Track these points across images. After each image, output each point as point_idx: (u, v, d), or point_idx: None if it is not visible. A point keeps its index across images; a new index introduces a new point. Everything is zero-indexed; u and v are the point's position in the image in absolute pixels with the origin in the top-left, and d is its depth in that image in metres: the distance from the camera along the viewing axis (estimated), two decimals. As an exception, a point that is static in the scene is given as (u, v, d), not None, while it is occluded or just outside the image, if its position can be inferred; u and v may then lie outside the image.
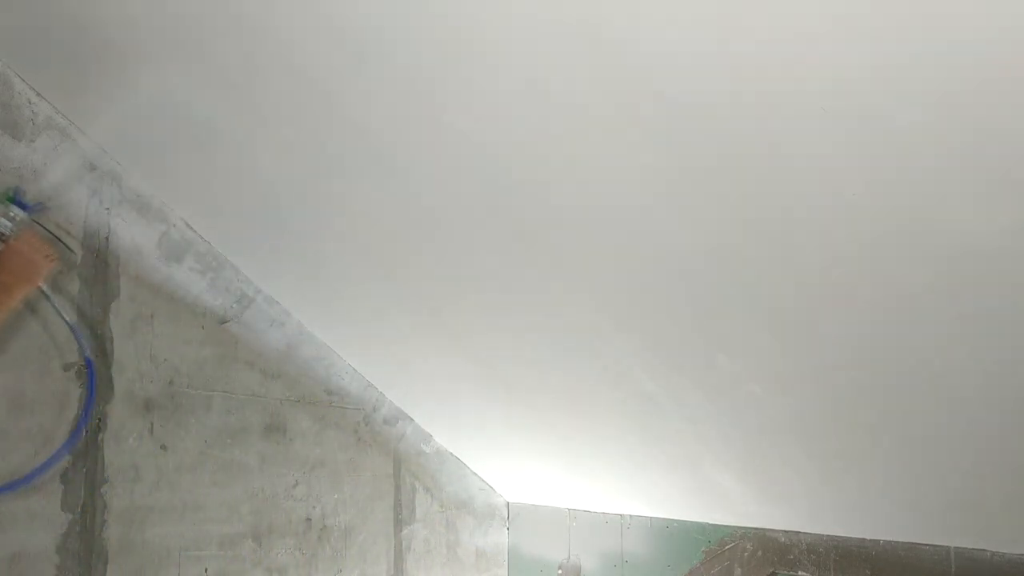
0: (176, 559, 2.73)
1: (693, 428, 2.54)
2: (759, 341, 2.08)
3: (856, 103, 1.39)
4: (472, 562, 3.64)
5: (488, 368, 2.87)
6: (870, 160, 1.48)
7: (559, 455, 3.19)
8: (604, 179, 1.82)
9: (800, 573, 2.74)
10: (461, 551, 3.61)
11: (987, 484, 2.13)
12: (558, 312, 2.38)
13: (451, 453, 3.61)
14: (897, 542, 2.51)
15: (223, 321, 2.90)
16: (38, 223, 2.31)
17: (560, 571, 3.53)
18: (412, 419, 3.46)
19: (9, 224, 2.20)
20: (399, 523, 3.40)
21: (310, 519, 3.11)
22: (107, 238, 2.63)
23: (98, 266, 2.61)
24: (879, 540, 2.55)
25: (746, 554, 2.89)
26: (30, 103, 2.47)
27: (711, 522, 3.00)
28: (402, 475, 3.42)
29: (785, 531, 2.79)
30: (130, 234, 2.68)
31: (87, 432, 2.55)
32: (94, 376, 2.50)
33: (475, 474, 3.69)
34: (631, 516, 3.29)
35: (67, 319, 2.45)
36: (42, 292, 2.35)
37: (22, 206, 2.24)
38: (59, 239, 2.39)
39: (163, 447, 2.73)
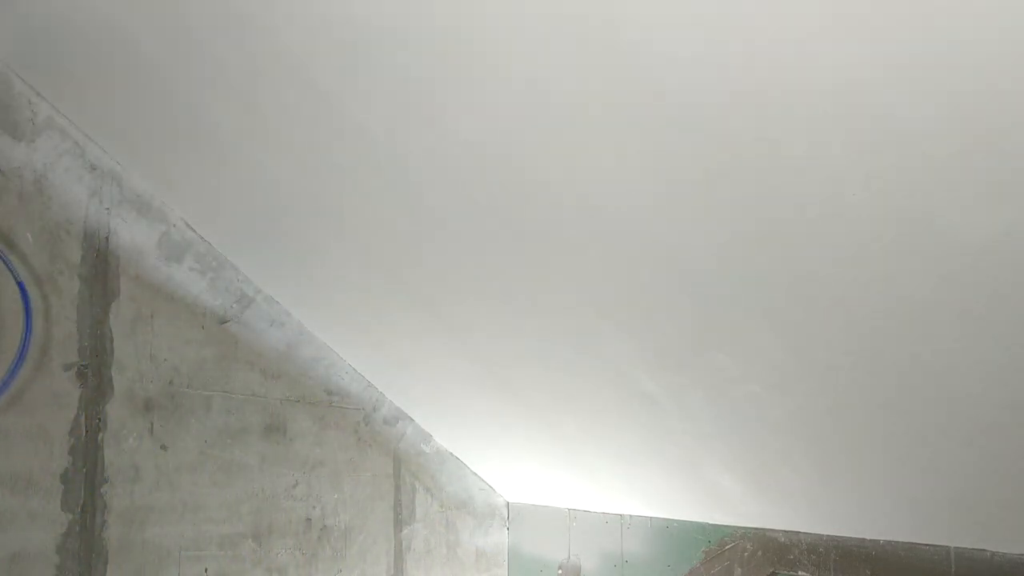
0: (176, 559, 2.73)
1: (693, 428, 2.54)
2: (759, 341, 2.08)
3: (856, 103, 1.39)
4: (472, 562, 3.64)
5: (488, 368, 2.87)
6: (870, 160, 1.48)
7: (559, 455, 3.19)
8: (604, 179, 1.82)
9: (800, 573, 2.74)
10: (461, 551, 3.61)
11: (987, 484, 2.13)
12: (558, 312, 2.38)
13: (451, 453, 3.61)
14: (897, 542, 2.51)
15: (223, 321, 2.90)
16: None
17: (560, 571, 3.53)
18: (412, 419, 3.46)
19: None
20: (399, 523, 3.40)
21: (310, 519, 3.11)
22: (107, 238, 2.63)
23: (98, 266, 2.61)
24: (879, 540, 2.55)
25: (746, 554, 2.89)
26: (30, 103, 2.48)
27: (711, 522, 3.00)
28: (402, 475, 3.42)
29: (785, 531, 2.79)
30: (130, 234, 2.68)
31: (26, 348, 2.48)
32: (27, 297, 2.45)
33: (475, 474, 3.69)
34: (631, 516, 3.29)
35: None
36: None
37: None
38: None
39: (163, 447, 2.73)
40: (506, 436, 3.28)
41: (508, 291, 2.41)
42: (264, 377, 3.01)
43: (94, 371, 2.59)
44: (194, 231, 2.82)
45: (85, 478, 2.54)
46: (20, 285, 2.44)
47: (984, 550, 2.33)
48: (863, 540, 2.59)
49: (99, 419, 2.59)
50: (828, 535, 2.68)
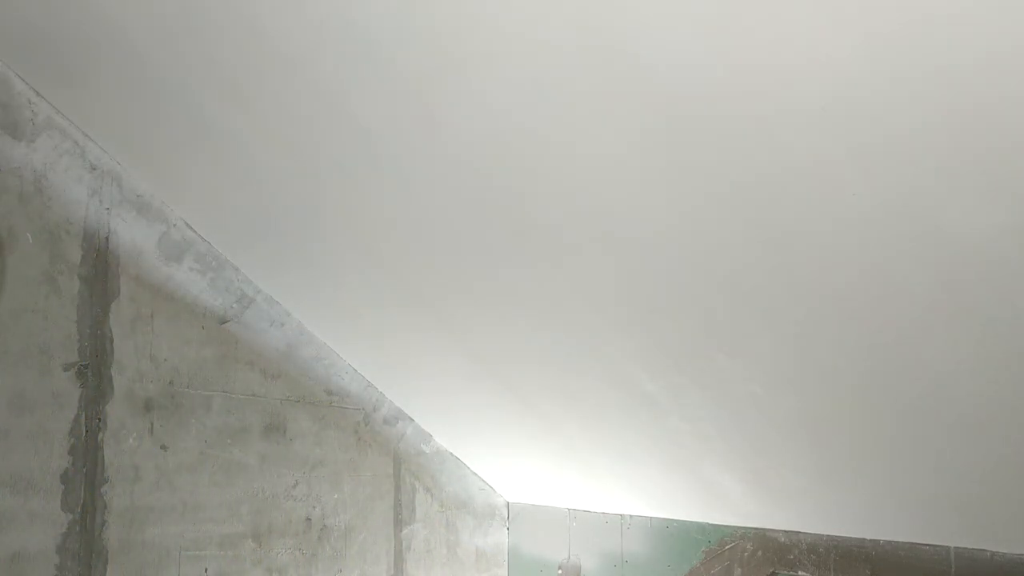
0: (176, 559, 2.73)
1: (693, 428, 2.54)
2: (759, 341, 2.08)
3: (856, 103, 1.39)
4: (472, 562, 3.64)
5: (488, 368, 2.87)
6: (870, 160, 1.48)
7: (559, 455, 3.18)
8: (605, 180, 1.82)
9: (800, 573, 2.73)
10: (461, 551, 3.61)
11: (987, 484, 2.13)
12: (558, 312, 2.38)
13: (451, 453, 3.61)
14: (897, 542, 2.51)
15: (223, 321, 2.90)
16: None
17: (560, 571, 3.53)
18: (412, 419, 3.46)
19: None
20: (399, 523, 3.40)
21: (310, 519, 3.11)
22: (107, 238, 2.63)
23: (98, 266, 2.61)
24: (879, 540, 2.55)
25: (746, 554, 2.89)
26: (30, 103, 2.48)
27: (711, 522, 3.00)
28: (402, 475, 3.42)
29: (785, 531, 2.79)
30: (130, 234, 2.68)
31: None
32: None
33: (475, 474, 3.69)
34: (631, 516, 3.29)
35: None
36: None
37: None
38: None
39: (163, 447, 2.73)
40: (506, 436, 3.28)
41: (508, 291, 2.41)
42: (264, 377, 3.01)
43: (94, 371, 2.59)
44: (194, 231, 2.82)
45: (85, 478, 2.54)
46: None
47: (984, 550, 2.33)
48: (863, 540, 2.59)
49: (99, 419, 2.59)
50: (828, 535, 2.67)
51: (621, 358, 2.42)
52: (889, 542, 2.53)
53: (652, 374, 2.42)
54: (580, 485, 3.34)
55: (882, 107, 1.38)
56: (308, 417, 3.13)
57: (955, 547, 2.39)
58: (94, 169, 2.60)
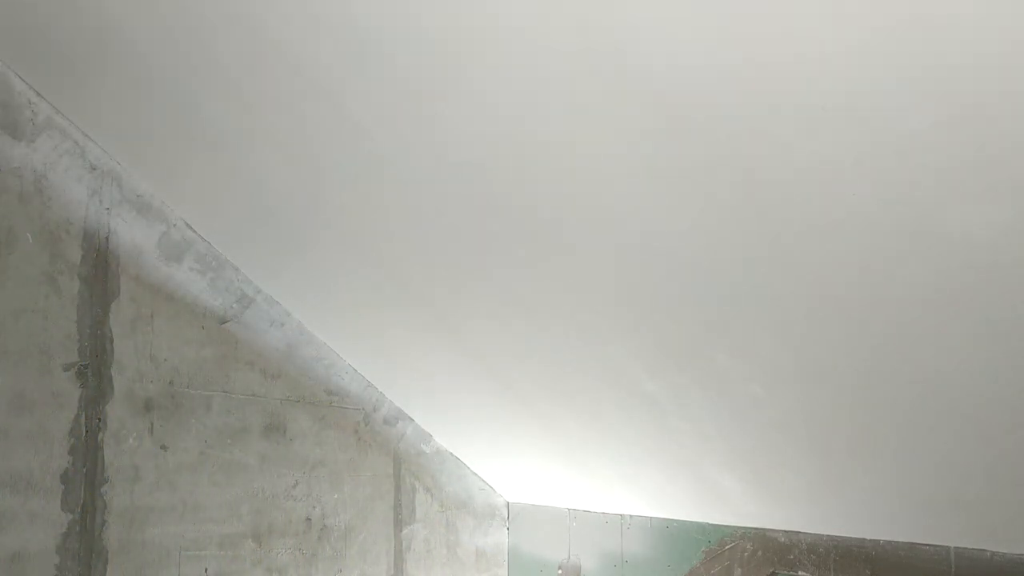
0: (176, 559, 2.73)
1: (693, 428, 2.54)
2: (760, 341, 2.08)
3: (857, 103, 1.39)
4: (472, 562, 3.64)
5: (488, 368, 2.87)
6: (870, 160, 1.48)
7: (559, 455, 3.19)
8: (604, 180, 1.82)
9: (800, 573, 2.73)
10: (461, 551, 3.61)
11: (987, 484, 2.13)
12: (558, 312, 2.38)
13: (451, 453, 3.61)
14: (897, 542, 2.51)
15: (223, 321, 2.90)
16: None
17: (560, 571, 3.53)
18: (412, 419, 3.46)
19: None
20: (399, 523, 3.40)
21: (310, 519, 3.11)
22: (107, 238, 2.63)
23: (98, 266, 2.61)
24: (879, 540, 2.55)
25: (746, 554, 2.89)
26: (30, 103, 2.48)
27: (711, 522, 3.00)
28: (402, 475, 3.42)
29: (785, 531, 2.79)
30: (130, 234, 2.68)
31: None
32: None
33: (475, 474, 3.69)
34: (631, 516, 3.29)
35: None
36: None
37: None
38: None
39: (163, 447, 2.73)
40: (506, 436, 3.28)
41: (508, 291, 2.41)
42: (264, 377, 3.01)
43: (94, 371, 2.59)
44: (194, 231, 2.82)
45: (85, 478, 2.54)
46: None
47: (984, 550, 2.33)
48: (863, 540, 2.59)
49: (99, 419, 2.59)
50: (828, 535, 2.67)
51: (621, 358, 2.42)
52: (889, 542, 2.53)
53: (652, 374, 2.42)
54: (580, 485, 3.34)
55: (882, 107, 1.38)
56: (308, 417, 3.13)
57: (955, 547, 2.39)
58: (94, 169, 2.60)
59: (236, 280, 2.93)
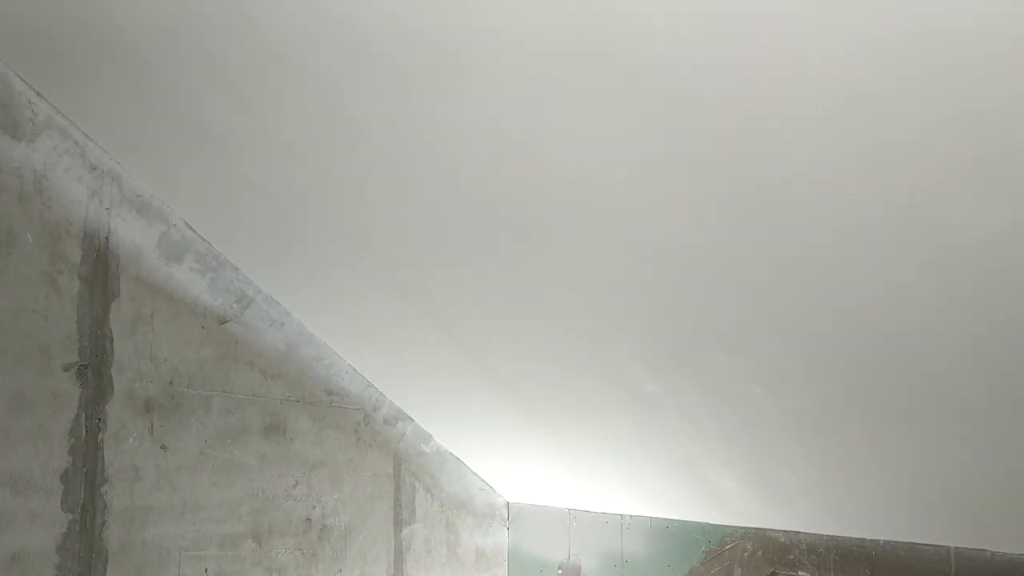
0: (176, 559, 2.73)
1: (693, 428, 2.54)
2: (759, 341, 2.08)
3: (856, 103, 1.39)
4: (472, 562, 3.64)
5: (488, 368, 2.87)
6: (870, 160, 1.48)
7: (559, 455, 3.19)
8: (605, 180, 1.82)
9: (800, 573, 2.73)
10: (461, 551, 3.61)
11: (987, 484, 2.13)
12: (558, 312, 2.38)
13: (451, 453, 3.61)
14: (897, 542, 2.51)
15: (223, 321, 2.90)
16: None
17: (560, 571, 3.53)
18: (412, 419, 3.46)
19: None
20: (399, 523, 3.40)
21: (310, 519, 3.11)
22: (107, 238, 2.63)
23: (98, 266, 2.61)
24: (879, 540, 2.55)
25: (746, 554, 2.89)
26: (30, 103, 2.48)
27: (711, 522, 3.00)
28: (402, 475, 3.42)
29: (785, 531, 2.79)
30: (130, 234, 2.68)
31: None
32: None
33: (475, 474, 3.69)
34: (631, 516, 3.29)
35: None
36: None
37: None
38: None
39: (163, 447, 2.73)
40: (506, 436, 3.28)
41: (508, 291, 2.41)
42: (264, 377, 3.01)
43: (94, 371, 2.59)
44: (194, 231, 2.82)
45: (85, 478, 2.54)
46: None
47: (984, 550, 2.33)
48: (863, 540, 2.59)
49: (99, 419, 2.59)
50: (828, 535, 2.67)
51: (621, 358, 2.42)
52: (889, 542, 2.53)
53: (652, 374, 2.42)
54: (580, 485, 3.34)
55: (883, 108, 1.38)
56: (308, 417, 3.13)
57: (955, 547, 2.39)
58: (94, 169, 2.60)
59: (236, 280, 2.93)
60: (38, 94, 2.48)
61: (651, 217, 1.87)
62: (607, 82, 1.56)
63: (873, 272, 1.71)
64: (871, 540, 2.57)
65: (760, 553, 2.85)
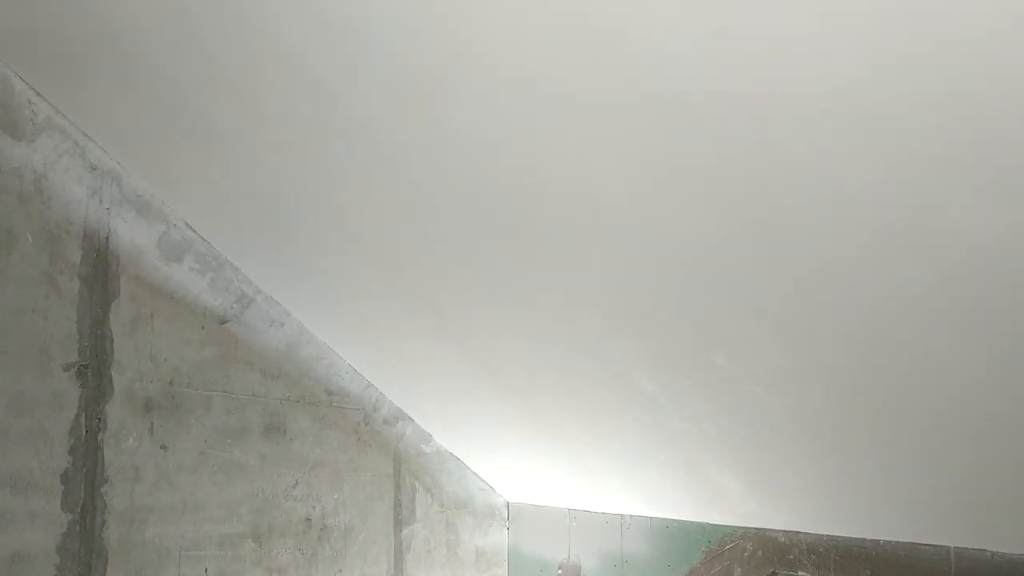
0: (176, 559, 2.73)
1: (693, 428, 2.54)
2: (759, 341, 2.08)
3: (855, 103, 1.39)
4: (472, 562, 3.64)
5: (488, 368, 2.87)
6: (869, 160, 1.48)
7: (559, 455, 3.19)
8: (605, 180, 1.82)
9: (800, 573, 2.73)
10: (461, 551, 3.61)
11: (987, 484, 2.13)
12: (558, 312, 2.38)
13: (451, 453, 3.61)
14: (897, 542, 2.51)
15: (223, 321, 2.90)
16: None
17: (560, 571, 3.53)
18: (412, 419, 3.46)
19: None
20: (399, 523, 3.40)
21: (310, 519, 3.11)
22: (107, 238, 2.63)
23: (98, 266, 2.61)
24: (879, 540, 2.55)
25: (746, 554, 2.89)
26: (30, 103, 2.48)
27: (711, 522, 3.00)
28: (402, 475, 3.43)
29: (785, 531, 2.79)
30: (130, 234, 2.68)
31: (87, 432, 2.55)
32: None
33: (475, 474, 3.69)
34: (631, 516, 3.29)
35: None
36: None
37: None
38: None
39: (163, 447, 2.73)
40: (506, 436, 3.28)
41: (508, 291, 2.41)
42: (264, 377, 3.01)
43: (94, 371, 2.59)
44: (194, 231, 2.82)
45: (85, 478, 2.54)
46: None
47: (984, 550, 2.33)
48: (863, 540, 2.59)
49: (99, 419, 2.59)
50: (828, 535, 2.67)
51: (621, 358, 2.42)
52: (889, 542, 2.53)
53: (652, 374, 2.42)
54: (580, 485, 3.34)
55: (882, 107, 1.38)
56: (308, 417, 3.13)
57: (955, 547, 2.39)
58: (94, 169, 2.60)
59: (236, 280, 2.93)
60: (38, 94, 2.48)
61: (651, 217, 1.87)
62: (607, 82, 1.56)
63: (873, 272, 1.71)
64: (871, 540, 2.57)
65: (760, 553, 2.85)
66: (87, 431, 2.56)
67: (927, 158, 1.43)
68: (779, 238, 1.75)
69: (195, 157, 2.47)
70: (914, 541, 2.47)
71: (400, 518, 3.41)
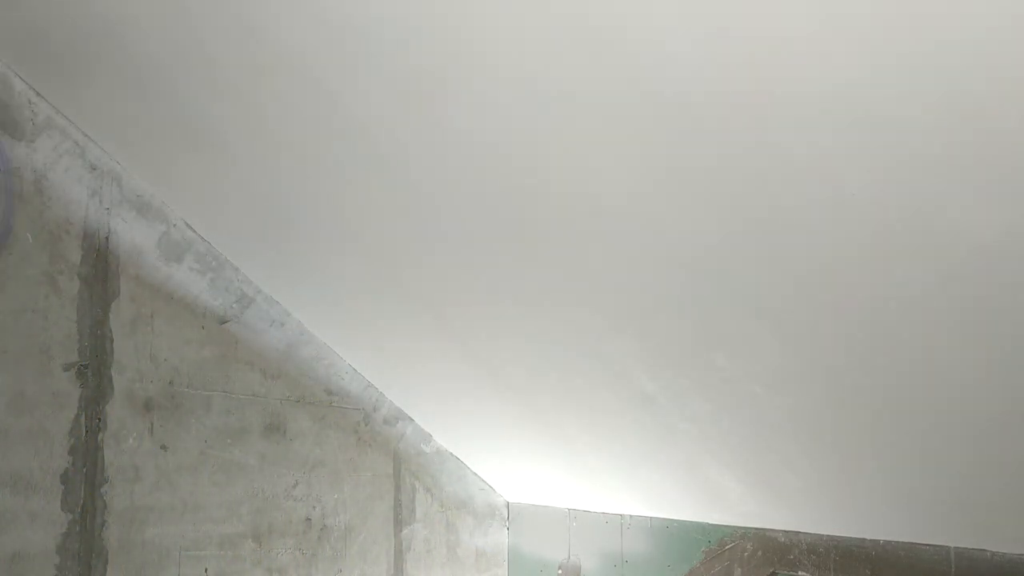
0: (176, 559, 2.73)
1: (693, 428, 2.54)
2: (759, 341, 2.08)
3: (855, 103, 1.39)
4: (472, 562, 3.64)
5: (488, 368, 2.87)
6: (869, 160, 1.48)
7: (559, 455, 3.19)
8: (605, 180, 1.82)
9: (800, 573, 2.73)
10: (461, 551, 3.61)
11: (987, 484, 2.13)
12: (558, 312, 2.38)
13: (451, 453, 3.61)
14: (897, 542, 2.51)
15: (223, 321, 2.90)
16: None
17: (560, 571, 3.53)
18: (412, 419, 3.46)
19: None
20: (399, 523, 3.40)
21: (310, 519, 3.11)
22: (107, 238, 2.63)
23: (98, 266, 2.61)
24: (879, 540, 2.55)
25: (746, 554, 2.89)
26: (30, 103, 2.48)
27: (711, 522, 3.00)
28: (402, 475, 3.42)
29: (785, 531, 2.79)
30: (130, 234, 2.68)
31: (87, 432, 2.55)
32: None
33: (475, 474, 3.69)
34: (631, 516, 3.29)
35: None
36: None
37: None
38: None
39: (163, 447, 2.73)
40: (506, 436, 3.28)
41: (508, 291, 2.41)
42: (264, 377, 3.01)
43: (94, 371, 2.59)
44: (194, 231, 2.82)
45: (85, 478, 2.54)
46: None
47: (984, 550, 2.33)
48: (863, 540, 2.59)
49: (99, 419, 2.59)
50: (828, 535, 2.67)
51: (621, 358, 2.42)
52: (889, 542, 2.53)
53: (652, 374, 2.42)
54: (580, 485, 3.34)
55: (882, 107, 1.38)
56: (308, 417, 3.13)
57: (955, 547, 2.39)
58: (94, 169, 2.60)
59: (236, 280, 2.93)
60: (38, 94, 2.48)
61: (651, 217, 1.87)
62: (607, 82, 1.56)
63: (873, 272, 1.71)
64: (871, 540, 2.57)
65: (760, 553, 2.85)
66: (87, 431, 2.56)
67: (927, 158, 1.43)
68: (779, 238, 1.75)
69: (195, 157, 2.47)
70: (914, 541, 2.47)
71: (400, 518, 3.41)
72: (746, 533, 2.90)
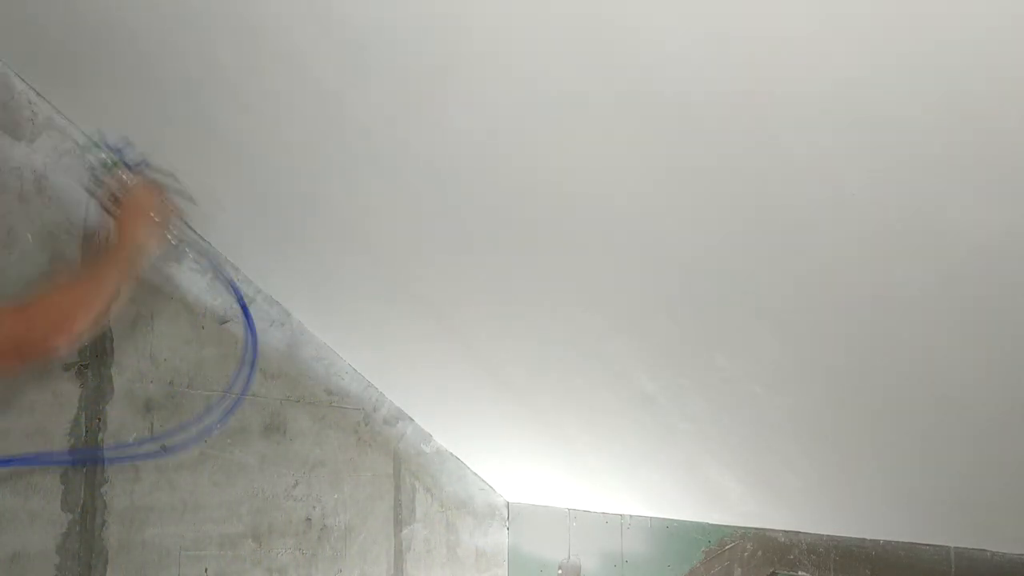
0: (176, 559, 2.73)
1: (693, 428, 2.54)
2: (759, 341, 2.08)
3: (855, 103, 1.39)
4: (472, 562, 3.64)
5: (488, 368, 2.87)
6: (869, 160, 1.48)
7: (559, 455, 3.19)
8: (605, 180, 1.82)
9: (800, 573, 2.73)
10: (461, 551, 3.61)
11: (987, 484, 2.13)
12: (558, 312, 2.38)
13: (451, 453, 3.61)
14: (897, 542, 2.51)
15: (223, 321, 2.90)
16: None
17: (560, 571, 3.53)
18: (412, 419, 3.46)
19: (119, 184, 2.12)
20: (399, 523, 3.40)
21: (310, 519, 3.11)
22: (107, 238, 2.63)
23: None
24: (879, 540, 2.55)
25: (746, 554, 2.89)
26: (30, 103, 2.48)
27: (711, 522, 3.00)
28: (402, 475, 3.42)
29: (785, 531, 2.78)
30: (130, 234, 2.67)
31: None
32: (249, 317, 2.80)
33: (475, 474, 3.69)
34: (631, 516, 3.29)
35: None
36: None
37: (127, 166, 2.17)
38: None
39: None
40: (506, 436, 3.28)
41: (508, 291, 2.41)
42: (264, 377, 3.01)
43: (94, 371, 2.59)
44: (194, 231, 2.81)
45: (85, 478, 2.54)
46: (242, 305, 2.80)
47: (984, 550, 2.33)
48: (863, 540, 2.59)
49: (99, 419, 2.59)
50: (828, 535, 2.67)
51: (621, 358, 2.42)
52: (889, 542, 2.53)
53: (652, 374, 2.42)
54: (580, 485, 3.34)
55: (882, 107, 1.38)
56: (308, 417, 3.12)
57: (955, 547, 2.39)
58: (94, 169, 2.60)
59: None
60: (38, 94, 2.48)
61: (651, 217, 1.87)
62: (607, 82, 1.56)
63: (873, 272, 1.71)
64: (871, 540, 2.57)
65: (760, 553, 2.85)
66: (87, 431, 2.56)
67: (927, 158, 1.42)
68: (779, 238, 1.75)
69: (195, 157, 2.47)
70: (914, 541, 2.47)
71: (400, 518, 3.41)
72: (746, 533, 2.90)
